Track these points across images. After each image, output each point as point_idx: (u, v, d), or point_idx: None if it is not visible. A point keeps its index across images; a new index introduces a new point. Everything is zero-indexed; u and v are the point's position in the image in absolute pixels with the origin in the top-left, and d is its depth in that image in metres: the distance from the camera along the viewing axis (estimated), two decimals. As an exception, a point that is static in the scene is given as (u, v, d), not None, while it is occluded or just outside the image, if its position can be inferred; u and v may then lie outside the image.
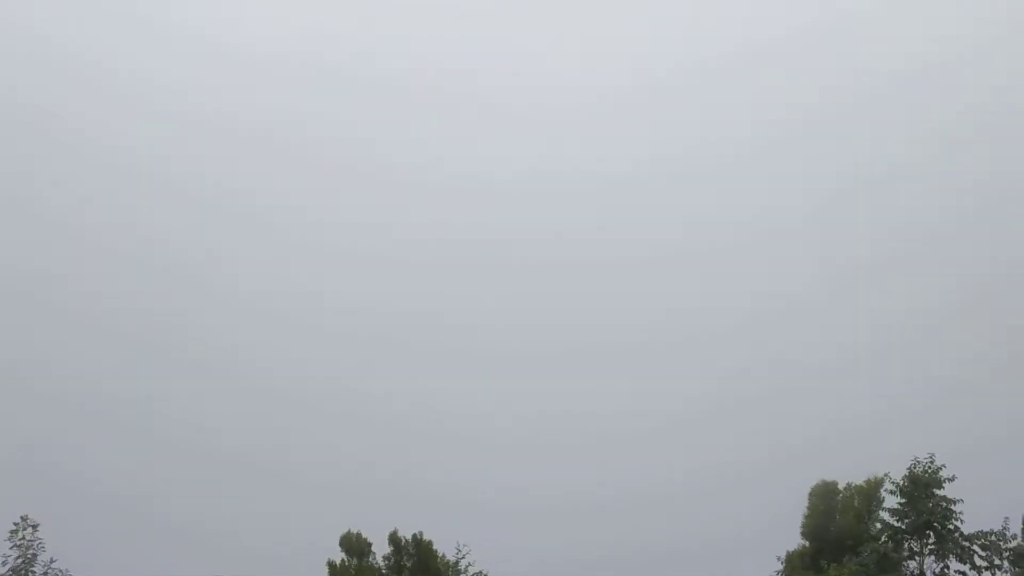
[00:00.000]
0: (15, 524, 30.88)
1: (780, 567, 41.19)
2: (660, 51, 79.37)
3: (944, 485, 38.53)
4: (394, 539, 36.21)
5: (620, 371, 64.18)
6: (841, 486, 41.99)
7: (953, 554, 38.05)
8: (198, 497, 55.94)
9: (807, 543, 41.51)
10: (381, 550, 36.47)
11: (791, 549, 41.40)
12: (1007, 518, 37.86)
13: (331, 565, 34.79)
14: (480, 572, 35.63)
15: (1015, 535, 37.80)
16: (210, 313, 71.11)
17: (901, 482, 39.13)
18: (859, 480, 41.63)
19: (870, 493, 41.27)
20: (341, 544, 35.21)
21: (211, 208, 76.28)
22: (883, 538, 38.96)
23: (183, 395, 64.11)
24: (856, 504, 41.35)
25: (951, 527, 38.10)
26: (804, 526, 41.66)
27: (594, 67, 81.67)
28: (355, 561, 34.80)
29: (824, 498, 41.80)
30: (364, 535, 35.81)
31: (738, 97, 77.87)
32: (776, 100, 76.88)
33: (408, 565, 35.68)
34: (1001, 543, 37.53)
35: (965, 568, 37.99)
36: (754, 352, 62.31)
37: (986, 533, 37.72)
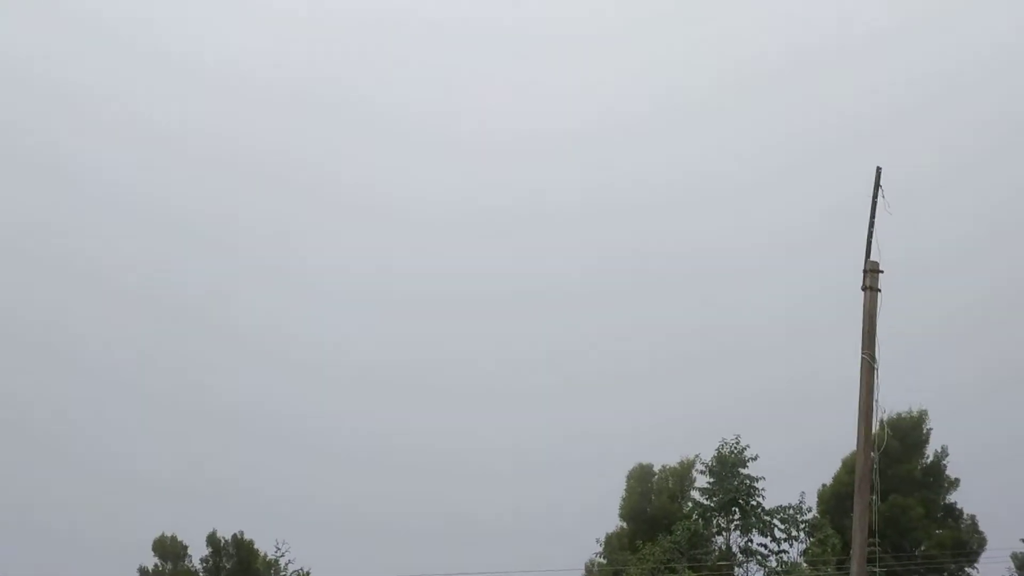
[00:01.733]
0: None
1: (599, 549, 42.76)
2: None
3: (748, 464, 40.77)
4: (212, 540, 35.59)
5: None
6: (657, 468, 43.96)
7: (756, 528, 40.32)
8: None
9: (625, 524, 43.25)
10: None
11: (610, 531, 43.08)
12: (803, 493, 40.38)
13: (143, 571, 33.85)
14: (300, 570, 35.53)
15: (810, 508, 40.41)
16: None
17: (710, 462, 41.18)
18: (673, 462, 43.71)
19: (683, 474, 43.31)
20: (154, 548, 34.33)
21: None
22: (694, 516, 40.92)
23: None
24: (670, 485, 43.33)
25: (754, 503, 40.35)
26: (622, 508, 43.35)
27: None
28: (169, 566, 33.97)
29: (641, 481, 43.59)
30: (180, 538, 34.99)
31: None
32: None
33: (227, 566, 35.19)
34: (798, 516, 39.97)
35: (767, 540, 40.40)
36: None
37: (785, 508, 40.04)
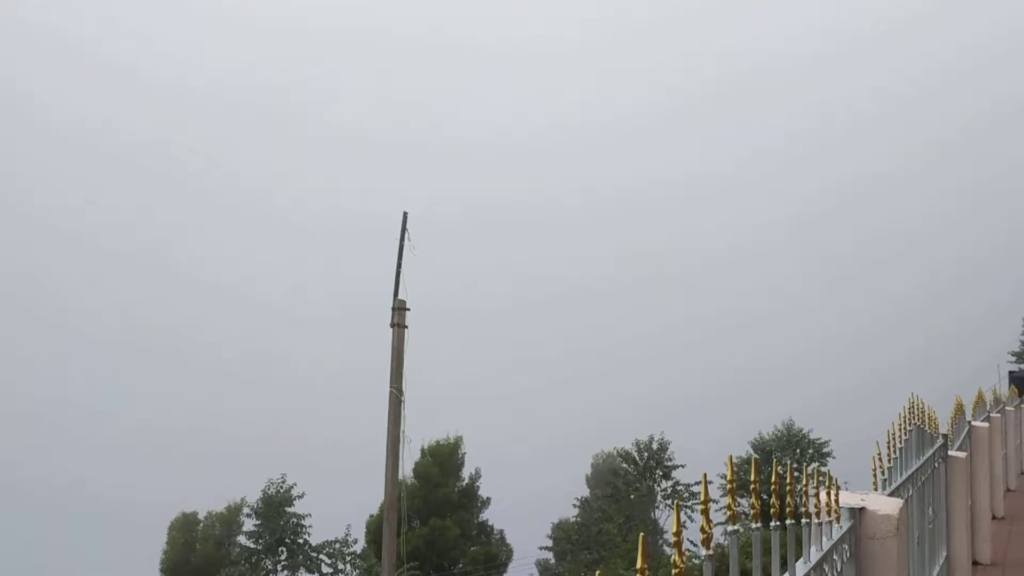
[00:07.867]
0: None
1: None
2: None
3: (295, 502, 40.71)
4: None
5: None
6: (202, 516, 42.17)
7: (303, 566, 40.33)
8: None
9: (167, 578, 40.92)
10: None
11: (150, 587, 40.46)
12: (349, 525, 41.16)
13: None
14: None
15: (356, 539, 41.26)
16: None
17: (256, 504, 40.47)
18: (220, 508, 42.23)
19: (230, 519, 42.03)
20: None
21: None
22: (241, 562, 39.87)
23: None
24: (217, 532, 41.81)
25: (301, 541, 40.36)
26: (163, 561, 40.98)
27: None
28: None
29: (184, 530, 41.56)
30: None
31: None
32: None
33: None
34: (344, 549, 40.63)
35: (314, 577, 40.56)
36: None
37: (331, 542, 40.56)
